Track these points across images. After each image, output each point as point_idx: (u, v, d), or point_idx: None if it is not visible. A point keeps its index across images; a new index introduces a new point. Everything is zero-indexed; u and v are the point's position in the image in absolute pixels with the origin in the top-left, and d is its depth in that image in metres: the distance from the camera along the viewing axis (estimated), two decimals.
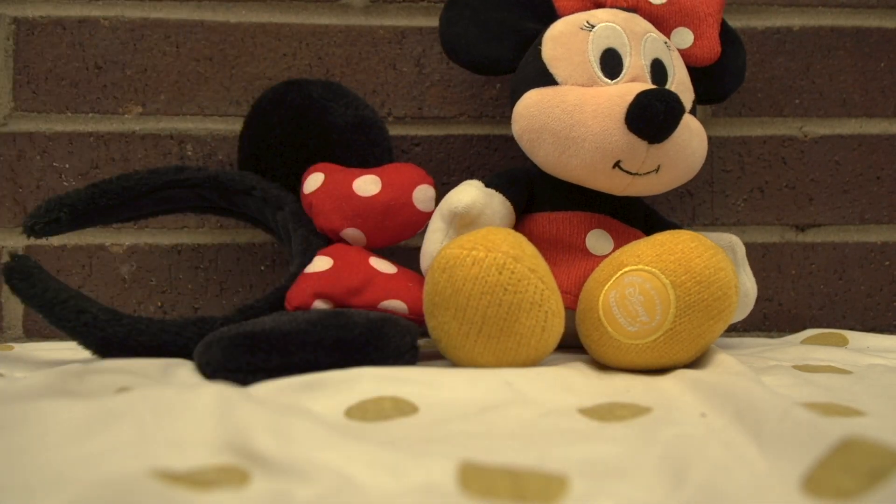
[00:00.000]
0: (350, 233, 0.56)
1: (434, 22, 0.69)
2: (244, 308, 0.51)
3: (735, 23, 0.69)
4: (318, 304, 0.50)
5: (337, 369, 0.39)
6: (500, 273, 0.42)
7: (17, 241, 0.67)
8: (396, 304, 0.51)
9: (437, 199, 0.55)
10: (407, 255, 0.65)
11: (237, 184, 0.59)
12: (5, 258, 0.64)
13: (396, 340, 0.44)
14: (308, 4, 0.69)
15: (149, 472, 0.24)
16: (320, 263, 0.53)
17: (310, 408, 0.35)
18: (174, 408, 0.29)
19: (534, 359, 0.44)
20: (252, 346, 0.41)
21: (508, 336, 0.43)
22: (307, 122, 0.60)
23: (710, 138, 0.65)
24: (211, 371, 0.42)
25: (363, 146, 0.60)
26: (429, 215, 0.55)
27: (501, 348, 0.43)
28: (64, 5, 0.68)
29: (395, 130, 0.69)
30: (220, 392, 0.31)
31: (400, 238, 0.57)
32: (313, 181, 0.57)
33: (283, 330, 0.42)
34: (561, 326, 0.44)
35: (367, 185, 0.56)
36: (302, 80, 0.62)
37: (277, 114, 0.61)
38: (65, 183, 0.67)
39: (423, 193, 0.56)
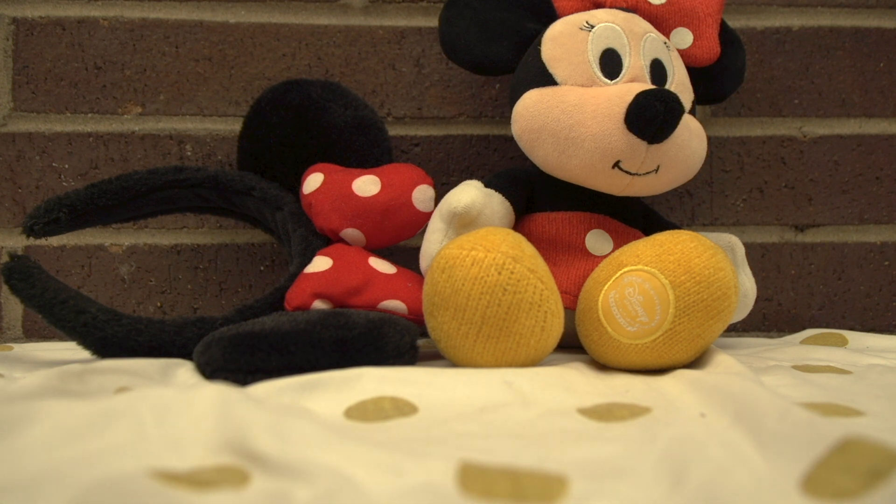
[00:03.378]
0: (349, 233, 0.56)
1: (433, 22, 0.69)
2: (243, 308, 0.51)
3: (734, 23, 0.69)
4: (318, 305, 0.50)
5: (336, 369, 0.39)
6: (500, 273, 0.42)
7: (16, 241, 0.67)
8: (396, 305, 0.51)
9: (437, 200, 0.55)
10: (407, 255, 0.65)
11: (236, 184, 0.59)
12: (5, 258, 0.64)
13: (396, 340, 0.44)
14: (307, 4, 0.69)
15: (148, 472, 0.24)
16: (320, 263, 0.53)
17: (309, 408, 0.35)
18: (173, 408, 0.29)
19: (533, 359, 0.44)
20: (252, 346, 0.41)
21: (508, 336, 0.43)
22: (307, 122, 0.60)
23: (709, 138, 0.65)
24: (210, 371, 0.42)
25: (363, 146, 0.60)
26: (428, 215, 0.55)
27: (501, 348, 0.43)
28: (63, 5, 0.68)
29: (394, 130, 0.69)
30: (220, 392, 0.31)
31: (399, 238, 0.57)
32: (313, 181, 0.57)
33: (282, 330, 0.42)
34: (560, 327, 0.44)
35: (366, 185, 0.56)
36: (301, 81, 0.62)
37: (277, 114, 0.61)
38: (64, 183, 0.67)
39: (422, 193, 0.56)
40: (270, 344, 0.41)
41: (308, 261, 0.54)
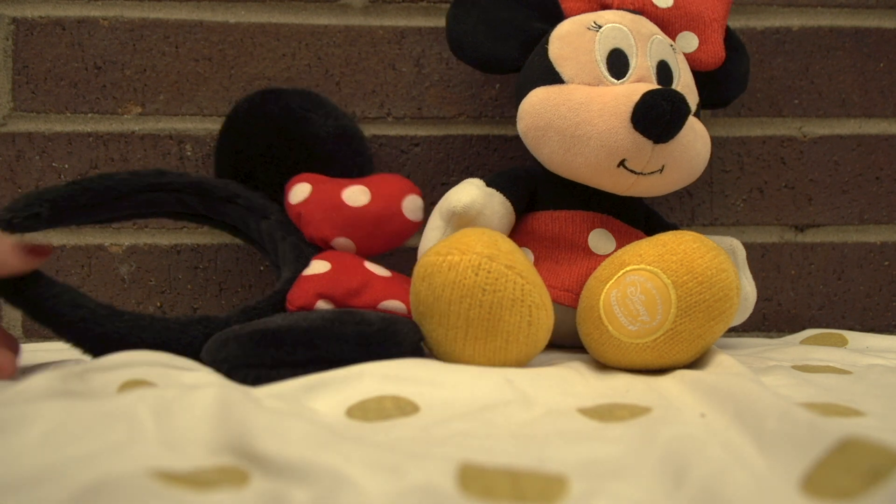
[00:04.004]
0: (341, 242, 0.56)
1: (433, 22, 0.69)
2: (246, 308, 0.51)
3: (734, 23, 0.69)
4: (321, 305, 0.51)
5: (359, 363, 0.39)
6: (477, 274, 0.42)
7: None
8: (395, 305, 0.52)
9: (426, 209, 0.56)
10: (407, 255, 0.65)
11: (220, 191, 0.58)
12: None
13: (410, 336, 0.44)
14: (307, 4, 0.69)
15: (148, 472, 0.24)
16: (318, 266, 0.53)
17: (311, 407, 0.35)
18: (173, 408, 0.29)
19: (526, 354, 0.44)
20: (277, 341, 0.41)
21: (495, 335, 0.42)
22: (288, 132, 0.60)
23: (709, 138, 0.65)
24: (228, 368, 0.41)
25: (345, 156, 0.61)
26: (419, 224, 0.56)
27: (490, 348, 0.43)
28: (63, 5, 0.68)
29: (394, 130, 0.69)
30: (220, 392, 0.31)
31: (390, 246, 0.58)
32: (300, 192, 0.57)
33: (302, 326, 0.42)
34: (549, 318, 0.44)
35: (356, 195, 0.56)
36: (279, 90, 0.62)
37: (258, 124, 0.61)
38: None
39: (412, 203, 0.57)
40: (295, 338, 0.41)
41: (303, 267, 0.54)
